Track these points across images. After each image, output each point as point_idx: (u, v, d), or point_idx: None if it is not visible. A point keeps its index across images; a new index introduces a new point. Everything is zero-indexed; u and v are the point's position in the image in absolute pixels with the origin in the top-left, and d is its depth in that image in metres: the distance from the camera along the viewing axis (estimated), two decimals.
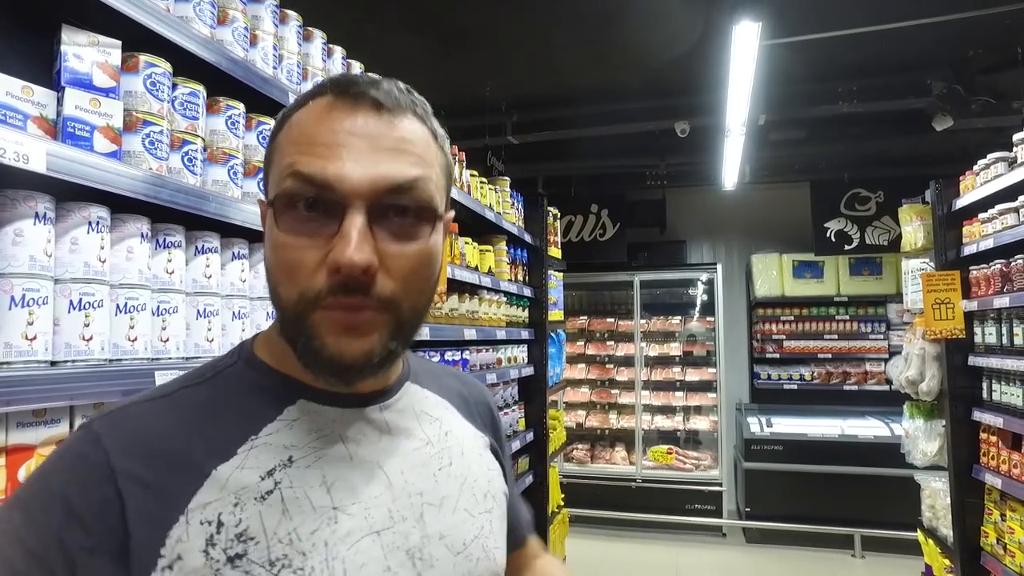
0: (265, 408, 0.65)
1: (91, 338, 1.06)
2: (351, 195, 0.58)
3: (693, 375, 6.14)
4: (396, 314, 0.62)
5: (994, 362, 2.71)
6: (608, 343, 6.41)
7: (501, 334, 2.91)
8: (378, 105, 0.61)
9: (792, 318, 6.04)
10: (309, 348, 0.60)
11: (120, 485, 0.56)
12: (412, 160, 0.62)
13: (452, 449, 0.76)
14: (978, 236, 2.86)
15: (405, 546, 0.66)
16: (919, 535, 3.43)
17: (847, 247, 5.69)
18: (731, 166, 4.99)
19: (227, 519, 0.58)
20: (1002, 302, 2.61)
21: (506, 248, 3.08)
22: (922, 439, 3.28)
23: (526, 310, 3.42)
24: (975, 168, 2.91)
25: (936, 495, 3.27)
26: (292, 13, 1.68)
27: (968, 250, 2.96)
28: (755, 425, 5.52)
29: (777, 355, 6.04)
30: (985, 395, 2.86)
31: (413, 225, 0.62)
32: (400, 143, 0.62)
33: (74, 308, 1.04)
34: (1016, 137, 2.56)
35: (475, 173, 2.75)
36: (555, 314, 3.75)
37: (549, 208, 3.69)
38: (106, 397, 1.07)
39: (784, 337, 6.04)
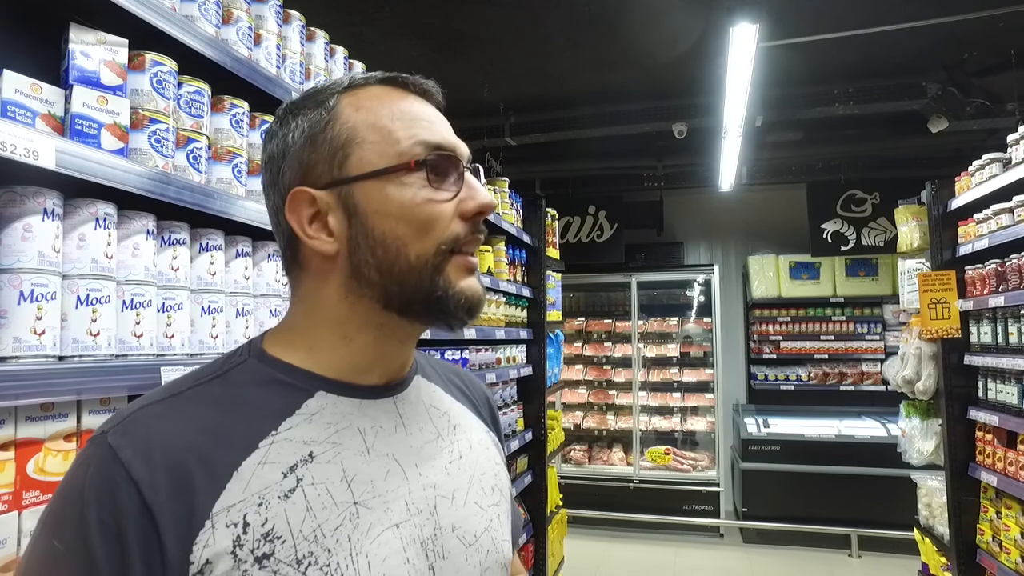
0: (283, 402, 0.66)
1: (98, 333, 1.06)
2: (464, 158, 0.70)
3: (690, 376, 6.16)
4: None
5: (990, 361, 2.73)
6: (606, 344, 6.43)
7: (500, 334, 2.92)
8: (430, 94, 0.74)
9: (789, 319, 6.07)
10: (448, 296, 0.67)
11: (147, 498, 0.55)
12: None
13: (461, 443, 0.78)
14: (973, 236, 2.88)
15: (420, 538, 0.67)
16: (916, 534, 3.45)
17: (843, 248, 5.73)
18: (728, 167, 5.01)
19: (252, 519, 0.58)
20: (997, 301, 2.63)
21: (505, 248, 3.09)
22: (918, 438, 3.30)
23: (525, 310, 3.43)
24: (970, 169, 2.94)
25: (932, 493, 3.29)
26: (295, 13, 1.70)
27: (963, 250, 2.98)
28: (752, 426, 5.55)
29: (774, 356, 6.06)
30: (981, 394, 2.88)
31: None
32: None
33: (81, 304, 1.05)
34: (1010, 138, 2.59)
35: None
36: (553, 314, 3.76)
37: (547, 209, 3.70)
38: (112, 392, 1.08)
39: (781, 338, 6.07)
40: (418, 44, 4.02)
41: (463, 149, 0.71)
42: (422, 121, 0.69)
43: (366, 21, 3.70)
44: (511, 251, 3.21)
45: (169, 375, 1.14)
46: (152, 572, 0.55)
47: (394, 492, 0.67)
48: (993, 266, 2.72)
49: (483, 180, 0.75)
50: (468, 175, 0.70)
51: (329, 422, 0.66)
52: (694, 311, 6.47)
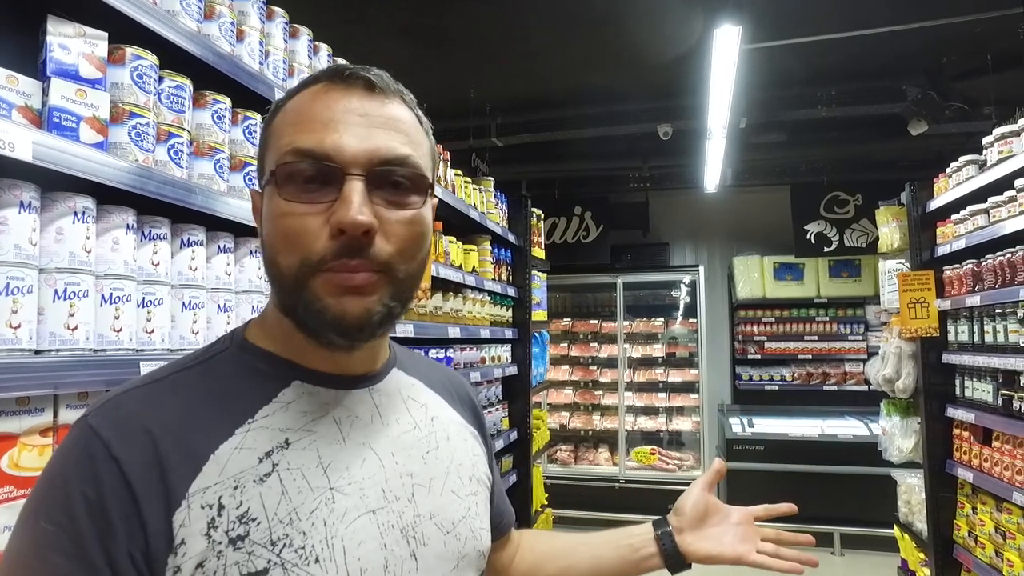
0: (260, 390, 0.67)
1: (76, 328, 1.06)
2: (349, 164, 0.62)
3: (676, 376, 6.20)
4: (392, 276, 0.64)
5: (966, 359, 2.78)
6: (591, 345, 6.45)
7: (485, 333, 2.93)
8: (371, 86, 0.66)
9: (773, 320, 6.13)
10: (311, 311, 0.62)
11: (127, 475, 0.56)
12: (402, 139, 0.66)
13: (438, 433, 0.79)
14: (951, 237, 2.93)
15: (399, 524, 0.68)
16: (895, 530, 3.49)
17: (826, 249, 5.79)
18: (713, 169, 5.06)
19: (228, 502, 0.59)
20: (973, 301, 2.67)
21: (490, 248, 3.10)
22: (898, 436, 3.34)
23: (510, 310, 3.44)
24: (948, 171, 2.99)
25: (912, 491, 3.34)
26: (278, 10, 1.69)
27: (942, 250, 3.03)
28: (737, 425, 5.59)
29: (758, 356, 6.11)
30: (958, 392, 2.93)
31: (406, 194, 0.65)
32: (391, 121, 0.65)
33: (59, 297, 1.04)
34: (985, 140, 2.64)
35: (459, 172, 2.77)
36: (538, 314, 3.78)
37: (533, 209, 3.71)
38: (91, 387, 1.08)
39: (765, 338, 6.12)
40: (406, 43, 4.02)
41: (349, 154, 0.62)
42: (315, 123, 0.63)
43: (355, 20, 3.70)
44: (496, 250, 3.22)
45: (148, 370, 1.13)
46: (135, 544, 0.56)
47: (371, 479, 0.68)
48: (970, 266, 2.77)
49: (423, 184, 0.67)
50: (347, 187, 0.61)
51: (304, 411, 0.67)
52: (679, 312, 6.50)
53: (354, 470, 0.67)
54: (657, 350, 6.30)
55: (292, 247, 0.62)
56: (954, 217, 2.91)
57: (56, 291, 1.04)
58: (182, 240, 1.33)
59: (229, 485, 0.59)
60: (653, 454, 5.91)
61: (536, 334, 3.70)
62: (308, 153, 0.62)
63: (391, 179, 0.64)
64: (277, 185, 0.63)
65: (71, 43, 1.08)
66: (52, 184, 1.05)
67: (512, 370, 3.35)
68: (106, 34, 1.13)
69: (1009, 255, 2.46)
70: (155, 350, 1.23)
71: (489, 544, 0.81)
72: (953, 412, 2.92)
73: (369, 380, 0.74)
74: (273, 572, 0.58)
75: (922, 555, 3.13)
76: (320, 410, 0.68)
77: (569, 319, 6.56)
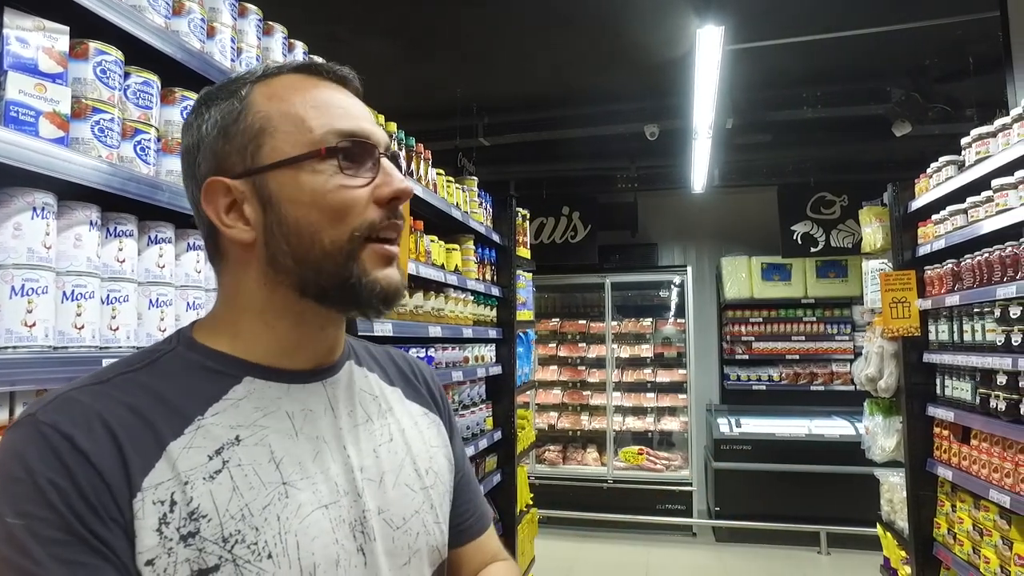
0: (210, 388, 0.66)
1: (34, 324, 1.05)
2: (380, 144, 0.71)
3: (664, 376, 6.21)
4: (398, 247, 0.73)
5: (946, 358, 2.79)
6: (580, 345, 6.46)
7: (468, 332, 2.92)
8: (352, 85, 0.74)
9: (761, 320, 6.15)
10: (363, 283, 0.68)
11: (96, 465, 0.57)
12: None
13: (392, 427, 0.78)
14: (931, 237, 2.95)
15: (348, 519, 0.68)
16: (878, 529, 3.51)
17: (813, 249, 5.82)
18: (700, 169, 5.07)
19: (179, 498, 0.59)
20: (953, 300, 2.69)
21: (474, 247, 3.09)
22: (881, 435, 3.36)
23: (494, 309, 3.43)
24: (928, 171, 3.00)
25: (894, 489, 3.35)
26: (251, 7, 1.68)
27: (923, 250, 3.04)
28: (724, 425, 5.61)
29: (746, 356, 6.14)
30: (938, 391, 2.94)
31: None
32: (372, 116, 0.74)
33: (16, 294, 1.03)
34: (964, 141, 2.65)
35: (441, 172, 2.76)
36: (524, 314, 3.77)
37: (518, 209, 3.71)
38: (50, 384, 1.06)
39: (753, 339, 6.15)
40: (391, 43, 4.01)
41: (379, 136, 0.71)
42: (336, 109, 0.69)
43: (338, 19, 3.69)
44: (480, 250, 3.22)
45: None
46: (119, 527, 0.56)
47: (323, 474, 0.68)
48: (949, 266, 2.78)
49: (403, 169, 0.75)
50: (384, 162, 0.70)
51: (256, 406, 0.67)
52: (668, 312, 6.52)
53: (307, 464, 0.67)
54: (645, 350, 6.31)
55: (342, 219, 0.66)
56: (934, 217, 2.92)
57: (13, 288, 1.03)
58: (149, 237, 1.32)
59: (180, 481, 0.59)
60: (641, 454, 5.92)
61: (521, 334, 3.69)
62: (353, 134, 0.68)
63: (395, 161, 0.73)
64: (337, 161, 0.67)
65: (30, 36, 1.07)
66: (13, 180, 1.04)
67: (496, 370, 3.35)
68: (67, 28, 1.12)
69: (987, 255, 2.47)
70: (120, 348, 1.22)
71: (444, 539, 0.80)
72: (934, 411, 2.93)
73: (323, 373, 0.74)
74: (224, 568, 0.58)
75: (903, 553, 3.15)
76: (272, 405, 0.68)
77: (557, 319, 6.56)
